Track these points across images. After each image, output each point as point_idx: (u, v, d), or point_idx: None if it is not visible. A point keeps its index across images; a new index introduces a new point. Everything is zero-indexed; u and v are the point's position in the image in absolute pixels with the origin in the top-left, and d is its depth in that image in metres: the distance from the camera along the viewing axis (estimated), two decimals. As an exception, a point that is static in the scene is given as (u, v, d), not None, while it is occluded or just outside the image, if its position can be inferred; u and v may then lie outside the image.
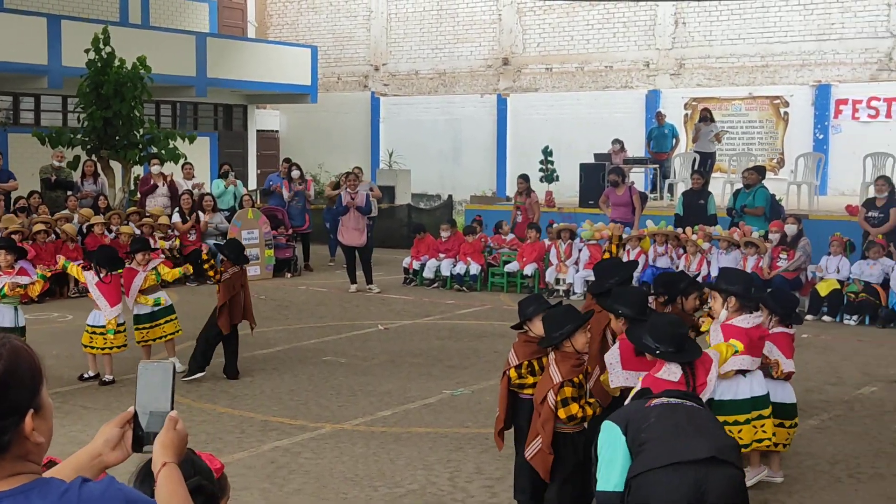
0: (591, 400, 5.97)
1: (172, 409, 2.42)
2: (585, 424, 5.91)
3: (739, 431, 6.53)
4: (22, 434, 2.07)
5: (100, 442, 2.37)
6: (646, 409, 4.44)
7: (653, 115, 23.33)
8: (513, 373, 6.37)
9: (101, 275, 9.82)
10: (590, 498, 5.93)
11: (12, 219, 15.47)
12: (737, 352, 6.38)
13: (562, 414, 5.76)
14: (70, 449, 3.01)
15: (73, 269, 10.34)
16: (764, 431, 6.69)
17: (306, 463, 7.54)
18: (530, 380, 6.27)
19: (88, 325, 9.98)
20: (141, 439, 2.39)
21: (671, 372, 5.44)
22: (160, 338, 10.34)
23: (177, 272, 10.67)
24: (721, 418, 6.40)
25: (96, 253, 10.57)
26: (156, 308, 10.32)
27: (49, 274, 10.11)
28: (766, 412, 6.74)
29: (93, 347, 9.94)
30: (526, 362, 6.38)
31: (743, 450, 6.50)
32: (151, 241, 13.17)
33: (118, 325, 9.87)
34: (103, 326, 9.84)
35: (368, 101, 29.55)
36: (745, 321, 6.64)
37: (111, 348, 9.89)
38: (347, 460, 7.60)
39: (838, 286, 13.69)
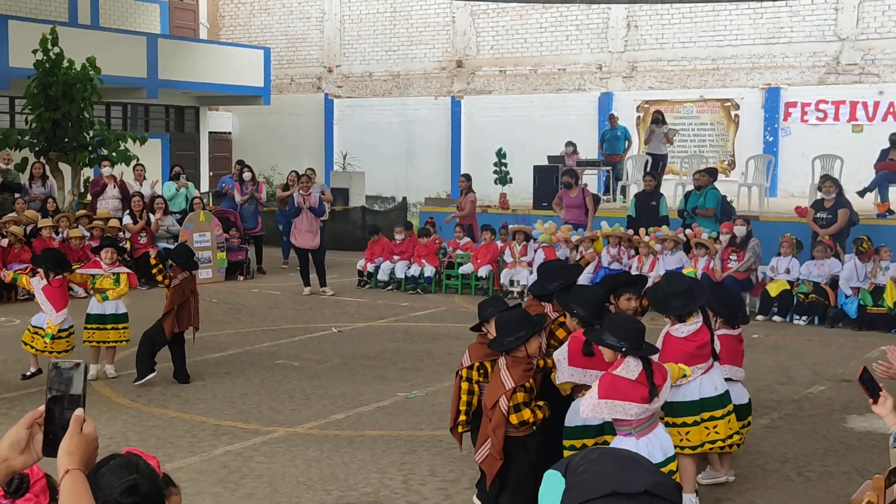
0: (541, 403, 5.98)
1: (83, 407, 2.29)
2: (535, 427, 5.93)
3: (688, 433, 6.55)
4: None
5: (5, 445, 2.25)
6: (588, 451, 4.39)
7: (605, 117, 23.48)
8: (464, 373, 6.41)
9: (49, 278, 9.68)
10: None
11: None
12: (685, 375, 6.34)
13: (514, 419, 5.78)
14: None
15: (23, 280, 10.12)
16: (717, 432, 6.68)
17: (258, 467, 7.48)
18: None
19: (31, 326, 9.86)
20: (53, 444, 2.26)
21: (629, 369, 5.46)
22: (103, 342, 10.23)
23: (123, 291, 10.46)
24: (670, 420, 6.46)
25: (42, 255, 10.42)
26: (106, 312, 10.22)
27: (-2, 278, 9.94)
28: (718, 413, 6.73)
29: (33, 347, 9.81)
30: (478, 363, 6.41)
31: (691, 451, 6.54)
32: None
33: (60, 330, 9.72)
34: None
35: (322, 102, 29.44)
36: (678, 331, 6.63)
37: (50, 352, 9.68)
38: (300, 464, 7.55)
39: (788, 287, 13.85)
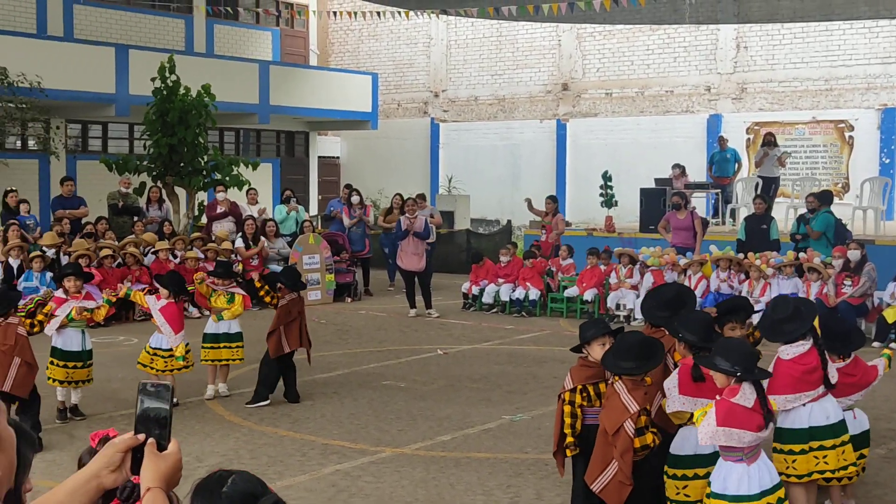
0: (654, 429, 5.93)
1: (169, 429, 2.37)
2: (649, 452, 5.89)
3: (794, 461, 6.38)
4: None
5: (100, 463, 2.32)
6: None
7: (714, 139, 23.15)
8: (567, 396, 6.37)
9: (177, 299, 9.98)
10: None
11: (83, 243, 15.79)
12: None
13: (637, 444, 5.74)
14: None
15: (137, 296, 10.46)
16: (826, 462, 6.47)
17: (366, 486, 7.57)
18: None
19: (150, 347, 10.08)
20: (142, 462, 2.33)
21: (745, 397, 5.37)
22: (217, 360, 10.48)
23: (238, 311, 10.70)
24: (777, 445, 6.30)
25: (167, 277, 10.70)
26: (219, 332, 10.49)
27: (114, 298, 10.26)
28: (829, 443, 6.51)
29: (152, 368, 9.99)
30: (580, 386, 6.35)
31: (797, 479, 6.36)
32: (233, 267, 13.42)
33: (186, 351, 10.01)
34: (166, 349, 9.95)
35: (428, 127, 29.73)
36: (785, 352, 6.46)
37: (171, 370, 9.95)
38: (407, 484, 7.61)
39: (906, 313, 13.41)
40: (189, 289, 10.95)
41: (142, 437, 2.34)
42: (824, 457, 6.41)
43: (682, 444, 6.17)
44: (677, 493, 6.04)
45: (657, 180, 21.05)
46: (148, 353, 10.08)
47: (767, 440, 5.61)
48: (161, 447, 2.34)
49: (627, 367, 5.82)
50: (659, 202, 18.92)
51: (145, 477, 2.28)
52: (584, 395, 6.32)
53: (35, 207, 17.92)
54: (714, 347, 5.79)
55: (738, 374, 5.42)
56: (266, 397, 10.16)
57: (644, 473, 5.85)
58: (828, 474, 6.45)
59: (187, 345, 10.10)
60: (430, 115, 29.89)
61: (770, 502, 5.31)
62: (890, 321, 13.55)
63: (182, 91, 18.97)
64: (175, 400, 9.88)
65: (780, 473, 5.77)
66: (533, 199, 19.21)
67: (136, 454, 2.33)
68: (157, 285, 10.40)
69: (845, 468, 6.50)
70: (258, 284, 10.86)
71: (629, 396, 5.77)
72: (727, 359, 5.50)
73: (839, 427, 6.51)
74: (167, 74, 18.91)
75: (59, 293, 9.81)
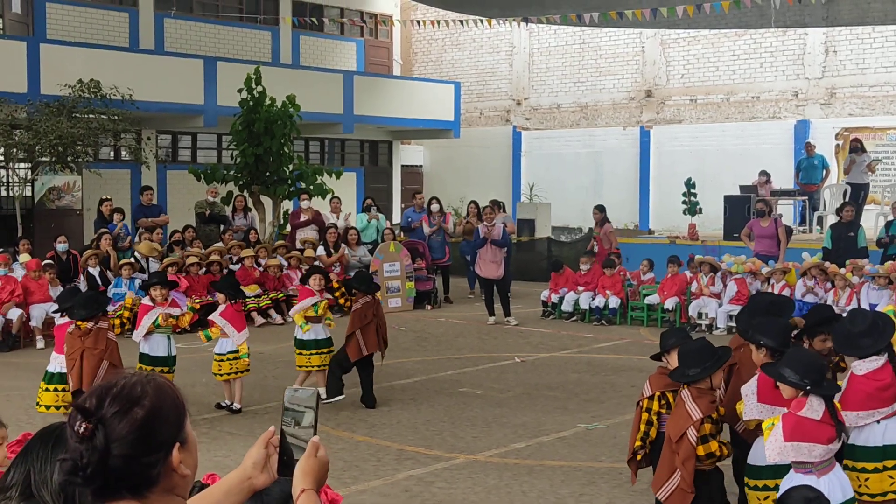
0: (725, 441, 5.89)
1: (315, 434, 2.45)
2: (718, 462, 5.85)
3: (867, 480, 6.23)
4: (170, 467, 2.14)
5: (249, 464, 2.44)
6: None
7: (801, 146, 22.75)
8: (645, 403, 6.37)
9: (231, 301, 10.23)
10: None
11: (148, 245, 16.24)
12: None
13: (701, 451, 5.72)
14: (218, 473, 3.18)
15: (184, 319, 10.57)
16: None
17: (439, 492, 7.64)
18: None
19: (216, 354, 10.34)
20: (286, 465, 2.42)
21: (813, 409, 5.31)
22: (304, 367, 10.64)
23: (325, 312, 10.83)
24: (850, 463, 6.17)
25: (220, 283, 10.95)
26: (307, 338, 10.62)
27: (198, 306, 10.56)
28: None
29: (221, 374, 10.30)
30: (659, 393, 6.35)
31: (869, 499, 6.22)
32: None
33: (230, 351, 10.19)
34: (232, 352, 10.18)
35: (510, 135, 29.77)
36: (858, 368, 6.31)
37: (237, 373, 10.22)
38: (480, 491, 7.67)
39: None
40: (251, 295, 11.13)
41: (272, 429, 2.46)
42: (866, 479, 6.27)
43: (760, 454, 6.10)
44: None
45: (742, 187, 20.80)
46: (215, 360, 10.33)
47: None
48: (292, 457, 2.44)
49: (692, 375, 5.80)
50: (743, 209, 18.70)
51: (298, 478, 2.38)
52: (663, 402, 6.32)
53: (127, 216, 18.42)
54: (783, 358, 5.73)
55: (808, 387, 5.36)
56: (342, 391, 10.25)
57: (711, 484, 5.81)
58: (866, 498, 6.31)
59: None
60: (512, 123, 29.94)
61: None
62: None
63: (268, 102, 19.32)
64: (239, 406, 10.11)
65: (854, 491, 5.67)
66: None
67: (283, 456, 2.43)
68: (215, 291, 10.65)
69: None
70: (335, 285, 10.99)
71: (693, 404, 5.75)
72: (796, 371, 5.43)
73: None
74: (253, 86, 19.28)
75: (146, 301, 10.14)
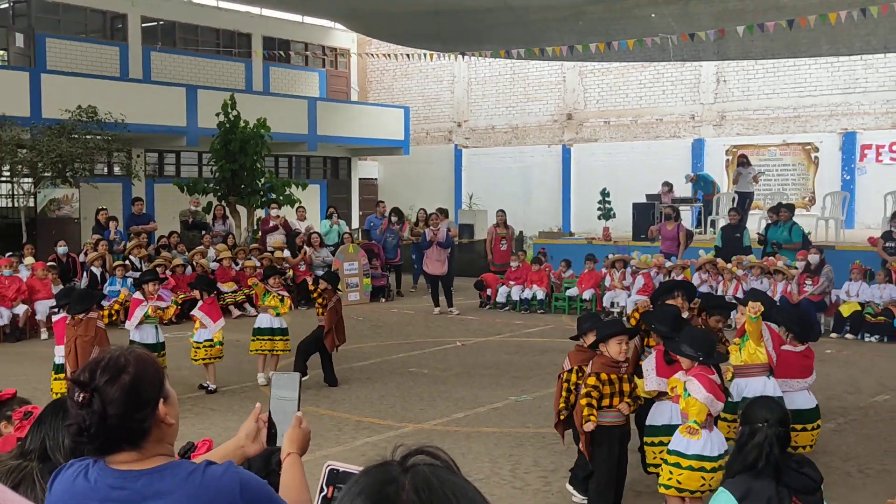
0: (628, 400, 6.05)
1: (299, 410, 2.54)
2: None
3: (797, 438, 6.54)
4: (158, 419, 2.20)
5: (242, 435, 2.52)
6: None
7: (698, 160, 23.22)
8: (565, 375, 6.55)
9: (206, 296, 10.24)
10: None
11: (137, 242, 16.19)
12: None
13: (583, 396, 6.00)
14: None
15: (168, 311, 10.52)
16: (814, 438, 6.87)
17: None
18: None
19: (194, 342, 10.32)
20: (274, 436, 2.51)
21: (716, 375, 5.59)
22: (271, 350, 10.61)
23: (286, 310, 10.80)
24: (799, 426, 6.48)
25: (195, 281, 10.94)
26: (274, 326, 10.64)
27: (180, 300, 10.52)
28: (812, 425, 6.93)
29: (197, 360, 10.29)
30: (577, 367, 6.54)
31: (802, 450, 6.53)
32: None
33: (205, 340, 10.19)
34: (208, 340, 10.17)
35: (452, 152, 29.85)
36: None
37: (212, 358, 10.20)
38: (425, 454, 7.75)
39: (859, 308, 13.42)
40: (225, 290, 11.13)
41: (258, 405, 2.55)
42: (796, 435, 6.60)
43: (657, 417, 6.31)
44: (654, 458, 6.17)
45: (648, 196, 21.05)
46: (193, 347, 10.33)
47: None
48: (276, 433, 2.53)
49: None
50: (649, 214, 18.97)
51: (285, 445, 2.46)
52: (580, 374, 6.49)
53: (120, 224, 18.24)
54: (681, 335, 5.93)
55: (700, 358, 5.57)
56: (305, 372, 10.27)
57: (612, 437, 5.99)
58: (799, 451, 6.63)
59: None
60: (454, 142, 30.03)
61: (722, 465, 5.43)
62: (845, 315, 13.57)
63: (242, 124, 19.26)
64: (214, 386, 10.08)
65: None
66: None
67: (271, 429, 2.51)
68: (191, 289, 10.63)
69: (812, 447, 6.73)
70: (312, 288, 10.97)
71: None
72: (691, 346, 5.65)
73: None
74: (229, 110, 19.21)
75: (137, 295, 10.08)
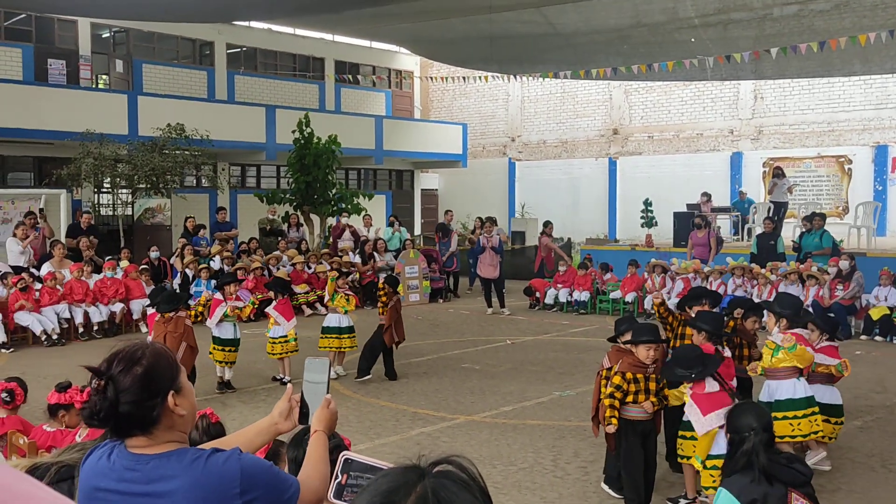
0: (654, 399, 5.96)
1: (328, 393, 2.55)
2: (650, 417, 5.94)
3: (799, 424, 6.39)
4: (167, 409, 2.19)
5: (276, 413, 2.54)
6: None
7: (736, 171, 22.82)
8: (604, 373, 6.48)
9: (281, 297, 10.35)
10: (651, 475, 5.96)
11: (221, 248, 16.41)
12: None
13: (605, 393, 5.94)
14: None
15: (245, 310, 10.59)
16: (818, 424, 6.55)
17: (443, 445, 7.73)
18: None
19: (270, 338, 10.42)
20: (305, 415, 2.53)
21: (711, 385, 5.46)
22: (338, 348, 10.69)
23: (352, 308, 10.82)
24: (781, 414, 6.30)
25: (271, 283, 11.07)
26: (342, 325, 10.69)
27: (257, 301, 10.68)
28: (817, 409, 6.60)
29: (273, 354, 10.39)
30: (615, 366, 6.47)
31: (802, 439, 6.41)
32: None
33: (280, 336, 10.31)
34: (283, 336, 10.29)
35: (506, 165, 29.84)
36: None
37: (288, 353, 10.31)
38: (475, 444, 7.76)
39: (888, 312, 13.05)
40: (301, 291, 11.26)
41: (290, 387, 2.56)
42: (816, 420, 6.50)
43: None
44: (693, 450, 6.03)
45: (688, 205, 20.79)
46: (269, 342, 10.44)
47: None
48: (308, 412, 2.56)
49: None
50: (689, 223, 18.68)
51: (314, 423, 2.49)
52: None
53: (206, 231, 18.63)
54: (671, 358, 5.83)
55: (693, 376, 5.48)
56: (369, 372, 10.35)
57: (636, 431, 5.92)
58: (820, 433, 6.59)
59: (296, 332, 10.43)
60: (508, 155, 30.02)
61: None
62: (875, 319, 13.21)
63: (316, 140, 19.48)
64: (289, 378, 10.23)
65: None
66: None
67: (303, 409, 2.53)
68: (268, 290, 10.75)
69: (816, 433, 6.54)
70: (381, 286, 11.02)
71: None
72: (681, 366, 5.55)
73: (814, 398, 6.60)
74: (304, 128, 19.46)
75: (218, 296, 10.28)
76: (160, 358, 2.24)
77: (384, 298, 10.52)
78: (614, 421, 5.81)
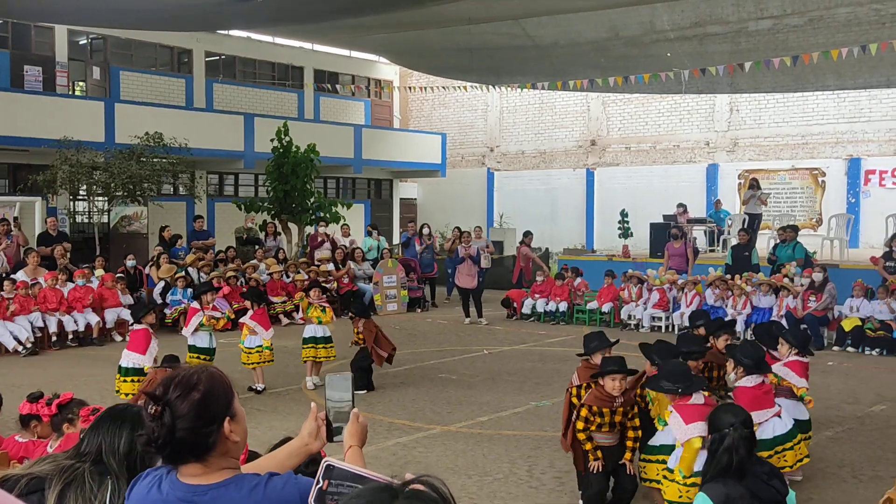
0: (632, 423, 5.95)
1: (354, 406, 2.52)
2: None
3: (784, 457, 6.39)
4: (223, 435, 2.18)
5: (305, 433, 2.49)
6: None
7: (712, 183, 23.00)
8: (573, 390, 6.49)
9: (257, 307, 10.32)
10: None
11: (170, 268, 16.16)
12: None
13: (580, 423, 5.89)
14: (251, 441, 3.31)
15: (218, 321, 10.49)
16: (802, 451, 6.55)
17: (419, 455, 7.73)
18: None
19: (245, 347, 10.37)
20: (332, 432, 2.50)
21: (695, 398, 5.48)
22: (315, 357, 10.65)
23: (328, 319, 10.80)
24: (766, 453, 6.20)
25: (248, 293, 11.05)
26: (317, 335, 10.68)
27: (233, 313, 10.62)
28: (800, 437, 6.60)
29: (248, 364, 10.33)
30: (585, 384, 6.49)
31: (790, 469, 6.37)
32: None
33: (259, 345, 10.27)
34: (259, 346, 10.25)
35: (485, 175, 29.91)
36: (750, 381, 6.45)
37: (263, 362, 10.27)
38: (450, 454, 7.76)
39: (860, 323, 13.21)
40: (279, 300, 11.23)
41: (314, 406, 2.52)
42: (799, 448, 6.51)
43: (661, 437, 6.13)
44: (656, 474, 6.01)
45: (665, 216, 20.95)
46: (244, 352, 10.38)
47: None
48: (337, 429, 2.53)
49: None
50: (665, 234, 18.82)
51: (346, 439, 2.46)
52: (587, 389, 6.42)
53: (184, 241, 18.51)
54: (660, 372, 5.82)
55: (679, 391, 5.51)
56: (372, 386, 10.31)
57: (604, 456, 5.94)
58: (805, 460, 6.60)
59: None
60: (486, 165, 30.09)
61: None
62: (847, 329, 13.36)
63: (294, 149, 19.41)
64: (262, 386, 10.14)
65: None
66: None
67: (329, 427, 2.49)
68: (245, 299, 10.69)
69: (800, 460, 6.54)
70: (350, 315, 10.88)
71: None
72: (669, 380, 5.58)
73: (796, 427, 6.58)
74: (283, 136, 19.39)
75: (195, 304, 10.22)
76: (216, 383, 2.22)
77: (355, 329, 10.46)
78: (599, 454, 5.83)
